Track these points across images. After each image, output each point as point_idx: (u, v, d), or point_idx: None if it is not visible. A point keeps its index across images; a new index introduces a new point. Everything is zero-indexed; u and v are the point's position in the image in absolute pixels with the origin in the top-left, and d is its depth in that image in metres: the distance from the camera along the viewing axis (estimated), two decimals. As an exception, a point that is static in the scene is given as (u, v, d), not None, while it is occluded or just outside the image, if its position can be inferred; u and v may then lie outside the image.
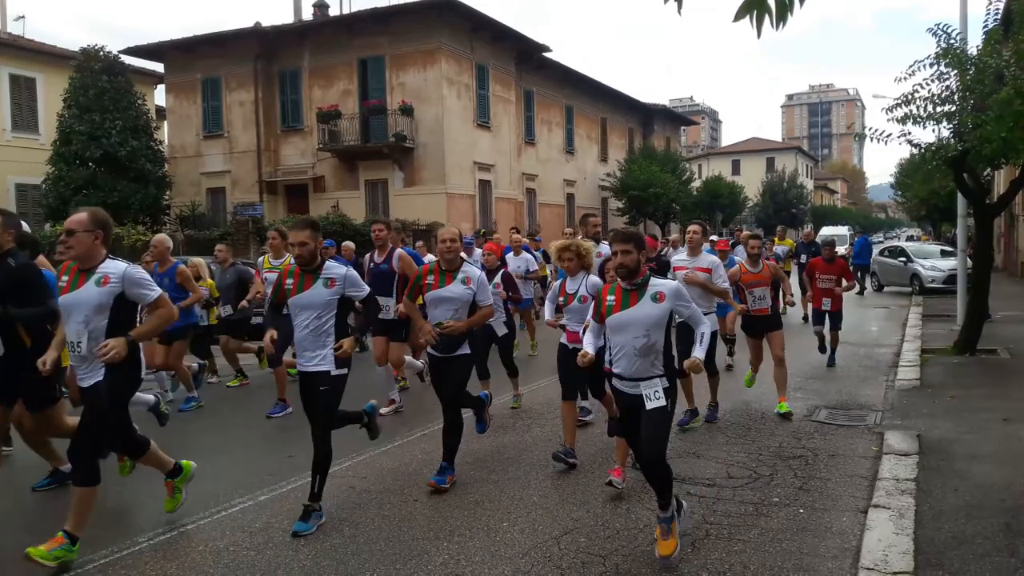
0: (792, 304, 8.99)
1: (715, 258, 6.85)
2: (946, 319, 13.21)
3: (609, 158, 35.25)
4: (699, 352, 4.11)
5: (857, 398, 7.77)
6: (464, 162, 24.50)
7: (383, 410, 7.04)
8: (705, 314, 5.59)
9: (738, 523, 4.48)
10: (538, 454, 5.98)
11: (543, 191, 29.86)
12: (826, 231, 39.48)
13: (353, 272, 4.77)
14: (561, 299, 5.82)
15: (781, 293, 8.52)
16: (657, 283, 4.19)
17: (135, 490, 5.53)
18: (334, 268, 4.65)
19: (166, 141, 26.72)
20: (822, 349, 9.79)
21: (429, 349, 5.39)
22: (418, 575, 3.90)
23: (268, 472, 5.65)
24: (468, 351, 5.25)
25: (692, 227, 6.88)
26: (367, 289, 4.84)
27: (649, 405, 4.04)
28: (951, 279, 16.53)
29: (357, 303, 4.89)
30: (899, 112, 9.18)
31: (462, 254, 5.49)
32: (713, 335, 5.59)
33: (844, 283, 9.71)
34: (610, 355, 4.23)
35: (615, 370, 4.20)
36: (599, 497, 4.99)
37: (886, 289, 21.16)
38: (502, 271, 7.81)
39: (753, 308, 7.26)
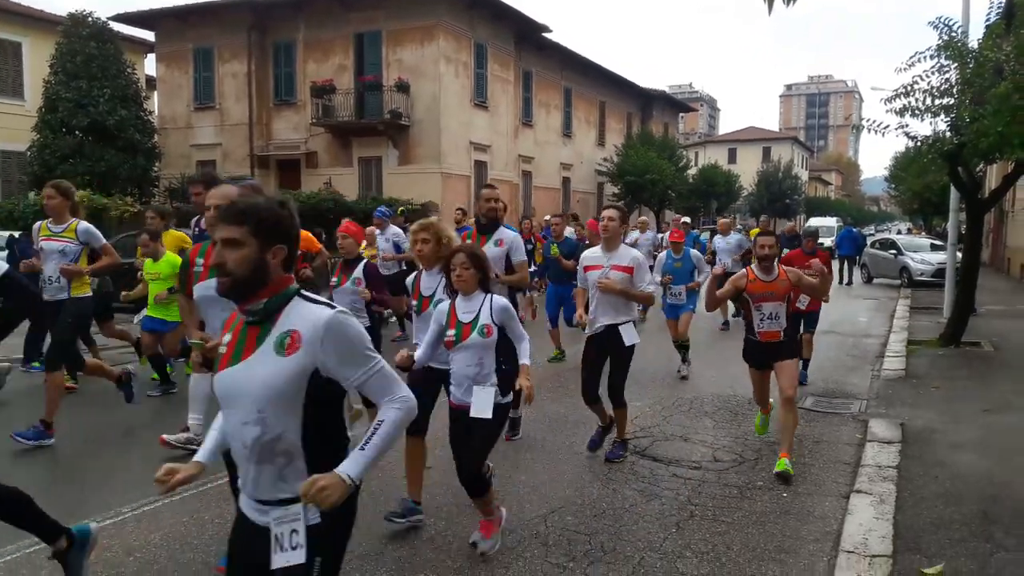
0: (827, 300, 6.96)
1: (637, 254, 5.28)
2: (933, 311, 13.32)
3: (607, 142, 35.10)
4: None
5: (843, 386, 7.84)
6: (460, 142, 24.34)
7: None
8: (624, 323, 5.22)
9: (722, 505, 4.54)
10: (527, 433, 6.02)
11: (539, 174, 29.75)
12: (814, 222, 39.57)
13: None
14: (414, 303, 4.43)
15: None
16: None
17: (119, 460, 5.54)
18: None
19: (156, 111, 26.40)
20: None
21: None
22: (405, 550, 3.93)
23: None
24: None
25: (607, 213, 5.26)
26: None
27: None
28: (940, 272, 16.64)
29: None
30: (897, 104, 9.18)
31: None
32: (630, 349, 5.23)
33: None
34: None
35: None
36: (586, 477, 5.04)
37: (876, 281, 21.29)
38: (364, 262, 5.63)
39: (761, 330, 5.26)
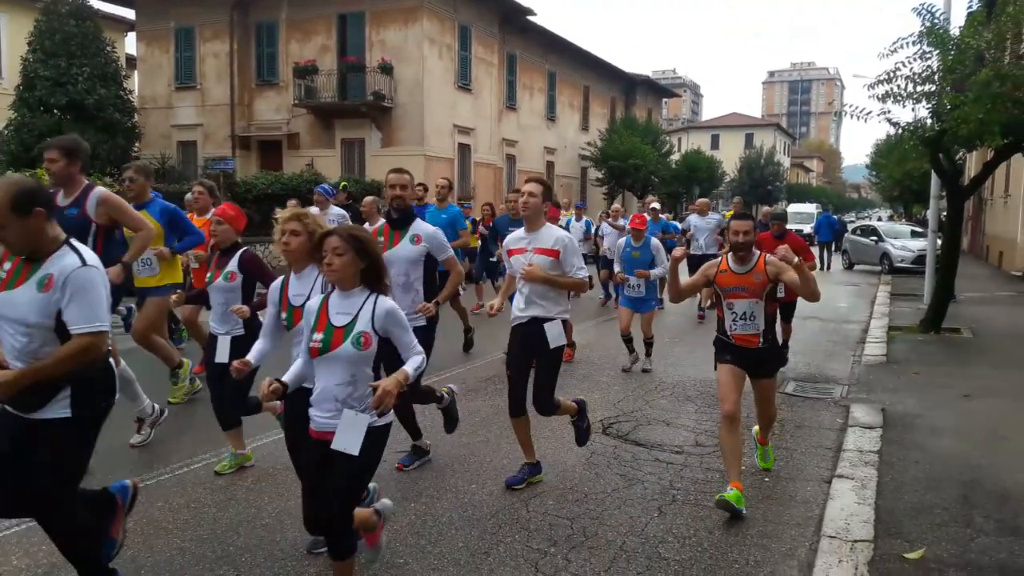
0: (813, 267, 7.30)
1: (563, 234, 4.48)
2: (913, 298, 13.45)
3: (591, 127, 35.00)
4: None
5: (824, 371, 7.89)
6: (443, 124, 24.14)
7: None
8: (549, 319, 4.40)
9: (704, 490, 4.54)
10: (508, 419, 5.98)
11: (523, 158, 29.61)
12: (794, 208, 39.71)
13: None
14: (284, 316, 3.54)
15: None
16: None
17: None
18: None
19: (136, 91, 25.92)
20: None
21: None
22: (384, 535, 3.88)
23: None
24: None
25: (527, 187, 4.46)
26: None
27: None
28: (920, 259, 16.81)
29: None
30: (880, 90, 9.20)
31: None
32: (556, 352, 4.47)
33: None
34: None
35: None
36: (569, 461, 5.02)
37: (857, 267, 21.47)
38: (241, 252, 4.56)
39: (734, 332, 4.40)
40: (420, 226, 4.67)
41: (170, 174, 23.60)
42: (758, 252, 4.40)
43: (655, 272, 7.68)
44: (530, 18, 27.56)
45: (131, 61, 26.80)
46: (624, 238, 8.15)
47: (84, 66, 20.94)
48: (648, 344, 7.88)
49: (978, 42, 8.83)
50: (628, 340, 7.84)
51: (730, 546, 3.81)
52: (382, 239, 4.62)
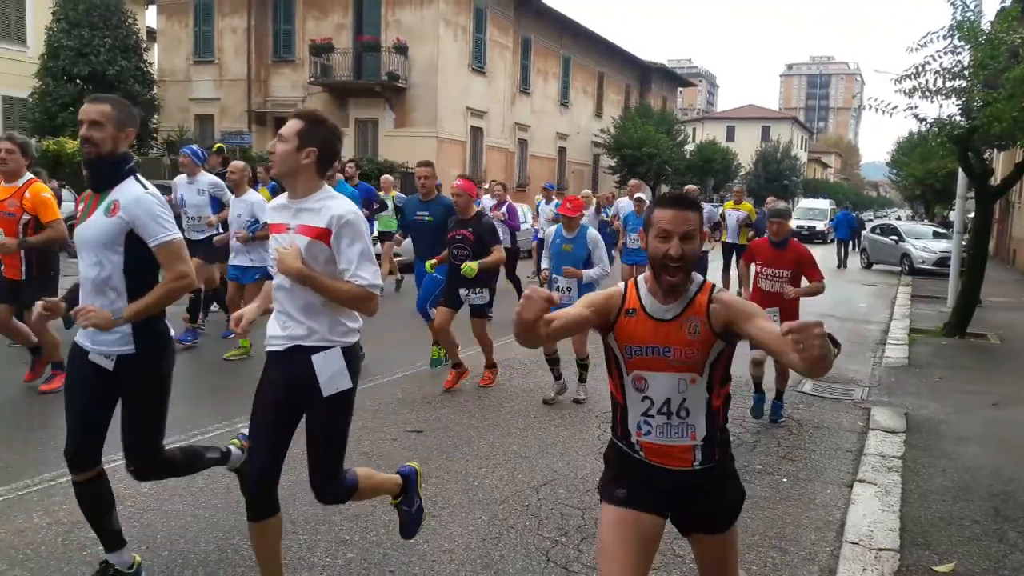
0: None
1: (345, 207, 2.75)
2: (935, 300, 13.19)
3: (604, 114, 34.69)
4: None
5: (844, 372, 7.69)
6: (457, 107, 23.94)
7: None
8: (325, 347, 2.71)
9: (720, 489, 4.40)
10: (519, 403, 5.89)
11: (535, 143, 29.37)
12: (806, 203, 38.75)
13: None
14: None
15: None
16: None
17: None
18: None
19: (155, 64, 25.86)
20: (757, 404, 5.79)
21: None
22: (394, 513, 3.78)
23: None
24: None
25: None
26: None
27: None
28: (942, 262, 16.50)
29: None
30: (907, 84, 8.95)
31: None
32: (334, 404, 2.73)
33: (804, 283, 5.64)
34: None
35: None
36: (579, 450, 4.91)
37: (875, 267, 21.20)
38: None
39: (646, 439, 2.20)
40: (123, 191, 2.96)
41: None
42: (700, 279, 2.23)
43: (591, 273, 5.76)
44: (545, 1, 27.24)
45: (151, 34, 26.75)
46: (554, 227, 6.16)
47: (106, 37, 21.05)
48: (582, 366, 6.00)
49: (1012, 37, 8.56)
50: (553, 361, 5.96)
51: (746, 547, 3.67)
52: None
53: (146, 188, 2.85)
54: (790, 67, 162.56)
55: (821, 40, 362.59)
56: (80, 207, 2.94)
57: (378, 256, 10.97)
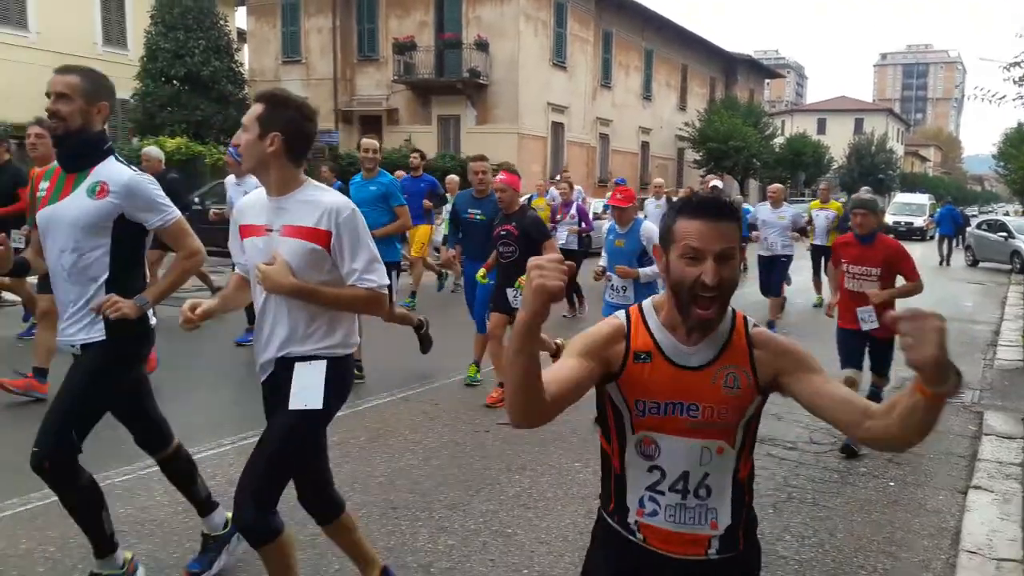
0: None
1: (339, 201, 2.43)
2: (1050, 300, 12.34)
3: (688, 107, 33.98)
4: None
5: (950, 373, 7.29)
6: (537, 102, 23.94)
7: None
8: (310, 358, 2.44)
9: (822, 489, 4.26)
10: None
11: (617, 137, 29.06)
12: (902, 198, 36.39)
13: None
14: None
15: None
16: None
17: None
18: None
19: (246, 64, 26.92)
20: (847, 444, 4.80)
21: None
22: (491, 504, 3.86)
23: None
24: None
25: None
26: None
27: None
28: (1057, 259, 15.39)
29: None
30: (1016, 72, 8.41)
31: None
32: (303, 421, 2.41)
33: (901, 281, 4.86)
34: None
35: None
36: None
37: (981, 265, 19.97)
38: None
39: (649, 521, 1.62)
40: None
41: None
42: (731, 311, 1.66)
43: (646, 271, 5.10)
44: (628, -7, 26.91)
45: (241, 35, 27.84)
46: (609, 223, 5.81)
47: (200, 39, 21.97)
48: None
49: None
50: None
51: (855, 551, 3.54)
52: None
53: (133, 169, 2.69)
54: (884, 56, 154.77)
55: (917, 28, 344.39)
56: (43, 185, 2.68)
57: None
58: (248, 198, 2.55)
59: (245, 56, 27.27)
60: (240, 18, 28.59)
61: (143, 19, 22.88)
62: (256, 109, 2.37)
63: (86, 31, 24.60)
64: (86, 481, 2.67)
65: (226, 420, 5.00)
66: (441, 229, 10.61)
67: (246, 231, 2.46)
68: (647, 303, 1.70)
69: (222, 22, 23.29)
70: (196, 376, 6.10)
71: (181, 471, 3.04)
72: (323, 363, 2.39)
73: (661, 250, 1.62)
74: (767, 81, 50.68)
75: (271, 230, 2.36)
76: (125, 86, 23.17)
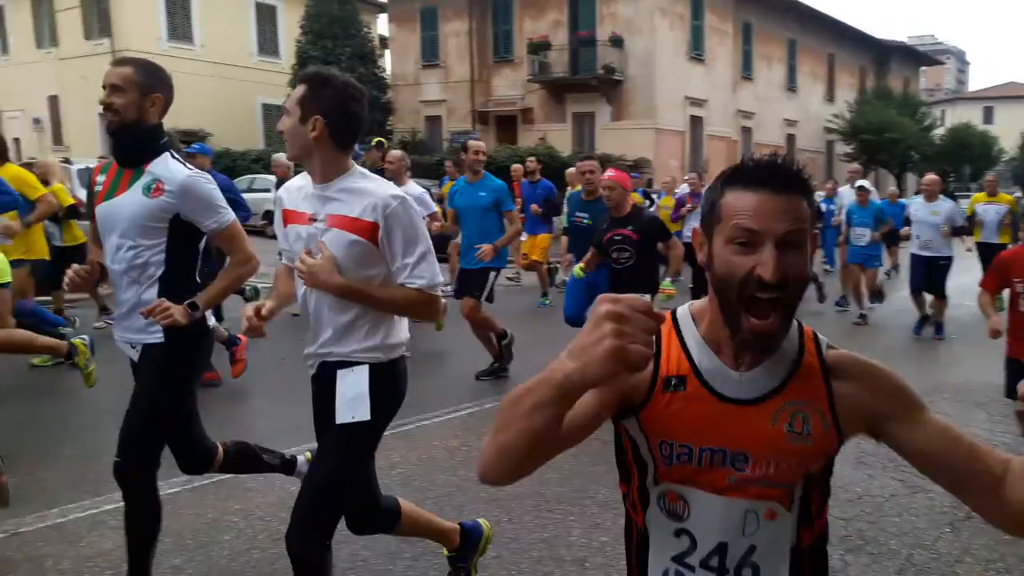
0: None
1: (387, 191, 2.24)
2: None
3: (836, 98, 32.04)
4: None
5: None
6: (674, 97, 23.41)
7: None
8: (347, 363, 2.28)
9: (1008, 510, 3.83)
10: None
11: (760, 130, 27.88)
12: None
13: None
14: None
15: None
16: None
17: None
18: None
19: (388, 69, 28.17)
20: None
21: None
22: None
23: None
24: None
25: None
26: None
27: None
28: None
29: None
30: None
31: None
32: (350, 434, 2.25)
33: None
34: None
35: None
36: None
37: None
38: None
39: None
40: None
41: (420, 147, 25.56)
42: (796, 324, 1.19)
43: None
44: (769, -18, 25.71)
45: (383, 41, 29.23)
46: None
47: (346, 47, 23.32)
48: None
49: None
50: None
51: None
52: None
53: (188, 167, 2.56)
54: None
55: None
56: (101, 180, 2.61)
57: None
58: (294, 180, 2.37)
59: (387, 61, 28.55)
60: (382, 25, 30.06)
61: (294, 30, 24.67)
62: (298, 91, 2.19)
63: (243, 42, 26.87)
64: (157, 498, 2.61)
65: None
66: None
67: (289, 217, 2.30)
68: (682, 310, 1.24)
69: (366, 30, 24.62)
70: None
71: (241, 461, 2.95)
72: (365, 368, 2.20)
73: (702, 235, 1.17)
74: (923, 69, 46.73)
75: (315, 219, 2.19)
76: (279, 93, 24.99)
